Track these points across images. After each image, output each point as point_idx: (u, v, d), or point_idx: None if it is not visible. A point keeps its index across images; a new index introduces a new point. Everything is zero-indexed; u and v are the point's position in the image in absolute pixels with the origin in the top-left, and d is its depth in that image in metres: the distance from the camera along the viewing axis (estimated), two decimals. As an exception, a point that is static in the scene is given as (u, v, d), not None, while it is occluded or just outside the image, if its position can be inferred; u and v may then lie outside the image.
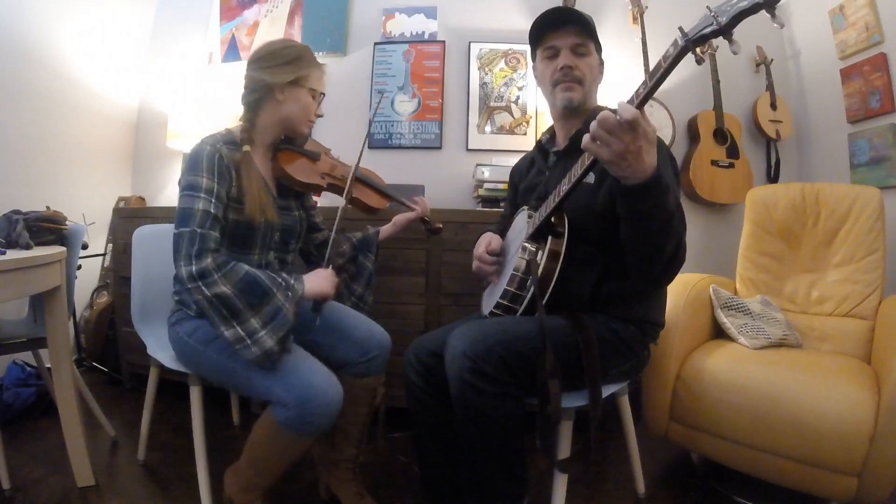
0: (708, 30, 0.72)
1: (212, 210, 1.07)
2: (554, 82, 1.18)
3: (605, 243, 1.08)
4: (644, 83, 0.80)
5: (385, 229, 1.52)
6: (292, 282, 1.09)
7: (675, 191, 0.99)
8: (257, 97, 1.20)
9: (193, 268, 1.02)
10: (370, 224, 1.53)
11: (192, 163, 1.11)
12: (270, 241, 1.23)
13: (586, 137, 0.82)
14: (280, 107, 1.21)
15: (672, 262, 0.95)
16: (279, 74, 1.18)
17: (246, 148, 1.17)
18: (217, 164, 1.10)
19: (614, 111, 0.79)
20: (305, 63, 1.22)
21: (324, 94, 1.28)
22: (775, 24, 0.69)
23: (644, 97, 0.79)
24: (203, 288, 1.02)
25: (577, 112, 1.18)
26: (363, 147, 1.38)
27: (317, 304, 1.18)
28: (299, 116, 1.23)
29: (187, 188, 1.09)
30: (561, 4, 2.26)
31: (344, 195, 1.32)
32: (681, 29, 0.75)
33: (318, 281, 1.15)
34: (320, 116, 1.30)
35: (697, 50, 0.74)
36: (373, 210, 1.46)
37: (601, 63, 1.22)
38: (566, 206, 1.06)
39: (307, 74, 1.21)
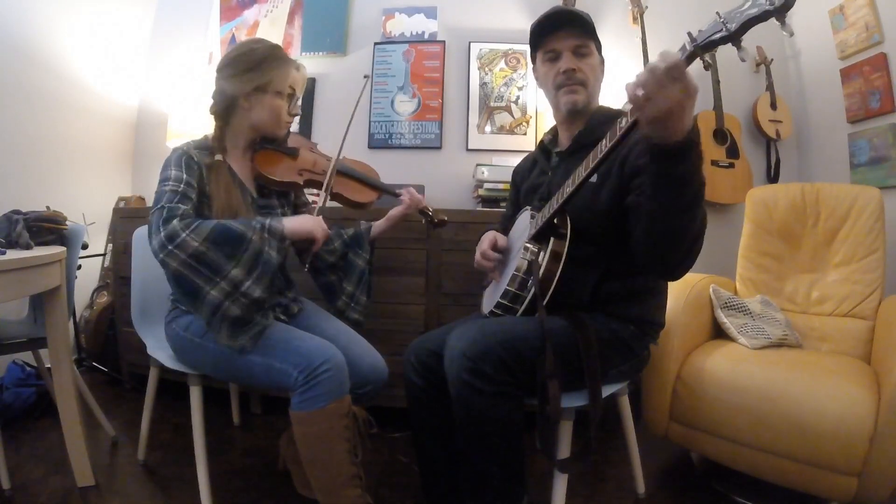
0: (717, 36, 0.71)
1: (179, 189, 1.09)
2: (557, 86, 1.17)
3: (607, 243, 1.08)
4: None
5: (378, 225, 1.42)
6: (269, 221, 1.07)
7: None
8: (224, 107, 1.21)
9: (162, 234, 1.01)
10: (364, 220, 1.46)
11: (164, 165, 1.15)
12: None
13: (630, 88, 0.75)
14: (248, 114, 1.21)
15: (696, 242, 0.89)
16: (240, 83, 1.18)
17: (218, 157, 1.18)
18: (185, 161, 1.13)
19: (620, 112, 0.77)
20: (268, 66, 1.19)
21: (294, 91, 1.25)
22: (784, 32, 0.68)
23: None
24: (176, 251, 1.00)
25: (581, 114, 1.18)
26: (344, 138, 1.34)
27: (302, 251, 1.15)
28: (269, 122, 1.23)
29: (159, 183, 1.12)
30: (560, 4, 2.26)
31: (324, 189, 1.27)
32: (690, 34, 0.74)
33: (301, 220, 1.12)
34: (296, 115, 1.28)
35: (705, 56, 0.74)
36: (360, 205, 1.38)
37: (602, 61, 1.22)
38: (568, 206, 1.05)
39: (270, 79, 1.19)
